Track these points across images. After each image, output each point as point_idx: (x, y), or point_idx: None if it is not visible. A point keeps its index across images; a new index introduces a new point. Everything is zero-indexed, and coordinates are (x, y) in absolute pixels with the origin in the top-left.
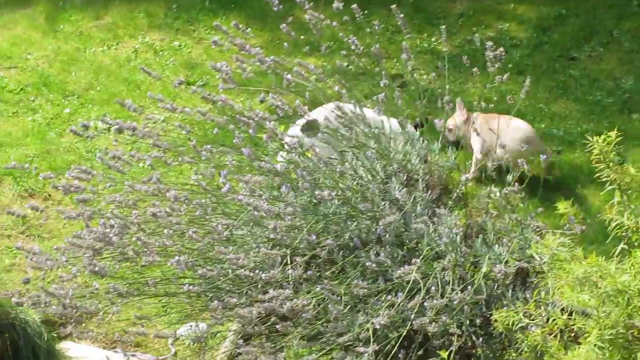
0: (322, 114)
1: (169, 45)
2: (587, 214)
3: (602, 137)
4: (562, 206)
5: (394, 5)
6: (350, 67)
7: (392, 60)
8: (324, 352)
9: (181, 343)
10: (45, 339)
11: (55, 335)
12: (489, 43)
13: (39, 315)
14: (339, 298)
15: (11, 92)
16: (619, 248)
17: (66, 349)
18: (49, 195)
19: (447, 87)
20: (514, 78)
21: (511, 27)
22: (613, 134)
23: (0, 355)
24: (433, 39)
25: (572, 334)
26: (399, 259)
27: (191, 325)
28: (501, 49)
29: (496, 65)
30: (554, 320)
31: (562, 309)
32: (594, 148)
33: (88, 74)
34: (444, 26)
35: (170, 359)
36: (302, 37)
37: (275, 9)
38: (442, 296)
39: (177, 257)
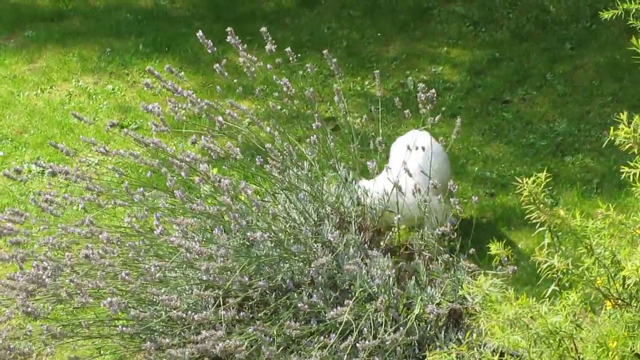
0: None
1: (102, 89)
2: (519, 256)
3: (532, 178)
4: (494, 247)
5: (325, 50)
6: (284, 110)
7: (325, 103)
8: None
9: None
10: None
11: None
12: (421, 85)
13: None
14: (271, 339)
15: None
16: (550, 289)
17: None
18: None
19: (380, 130)
20: (447, 121)
21: (445, 70)
22: (543, 175)
23: None
24: (366, 82)
25: None
26: (331, 300)
27: None
28: (433, 90)
29: (428, 107)
30: None
31: (494, 351)
32: (524, 190)
33: (22, 117)
34: (377, 70)
35: None
36: (235, 80)
37: (209, 51)
38: (375, 337)
39: (109, 299)
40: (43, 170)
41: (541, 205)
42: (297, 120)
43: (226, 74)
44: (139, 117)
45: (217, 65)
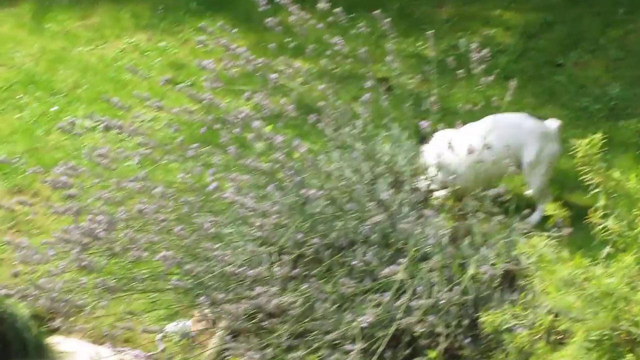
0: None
1: (155, 46)
2: (573, 219)
3: (587, 140)
4: (550, 208)
5: (377, 11)
6: (337, 69)
7: (378, 64)
8: (310, 349)
9: (170, 340)
10: (34, 333)
11: (44, 329)
12: (474, 44)
13: (28, 310)
14: (325, 296)
15: None
16: (605, 251)
17: (55, 343)
18: (37, 192)
19: (434, 91)
20: (500, 83)
21: (497, 33)
22: (597, 136)
23: None
24: (419, 44)
25: (559, 336)
26: (385, 259)
27: (179, 322)
28: (486, 50)
29: (481, 67)
30: (540, 321)
31: (549, 311)
32: (579, 151)
33: (75, 73)
34: (430, 31)
35: (159, 355)
36: (287, 39)
37: (261, 9)
38: (429, 296)
39: (163, 253)
40: (96, 126)
41: (596, 167)
42: (350, 80)
43: (279, 27)
44: (191, 74)
45: (270, 18)
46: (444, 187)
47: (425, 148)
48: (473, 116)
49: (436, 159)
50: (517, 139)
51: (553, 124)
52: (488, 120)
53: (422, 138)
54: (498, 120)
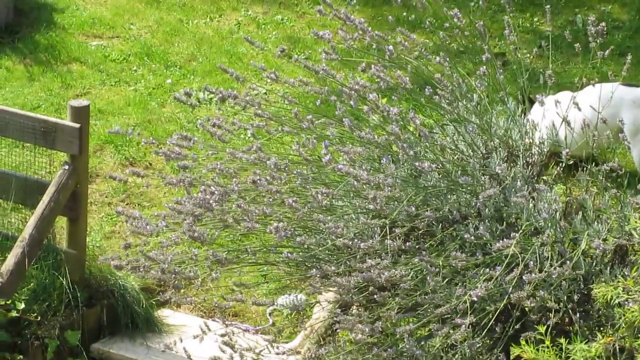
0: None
1: (271, 19)
2: None
3: None
4: None
5: None
6: (453, 44)
7: (494, 39)
8: (421, 323)
9: (279, 314)
10: (144, 306)
11: (153, 302)
12: (591, 18)
13: (138, 283)
14: (437, 270)
15: (114, 61)
16: None
17: (165, 317)
18: (150, 164)
19: (550, 65)
20: (615, 59)
21: (613, 9)
22: None
23: (99, 322)
24: (535, 19)
25: None
26: (497, 233)
27: (289, 295)
28: (603, 23)
29: (598, 41)
30: None
31: None
32: None
33: (190, 45)
34: (547, 7)
35: (268, 329)
36: (404, 13)
37: None
38: (541, 271)
39: (275, 224)
40: (211, 99)
41: None
42: (466, 55)
43: (397, 0)
44: (307, 47)
45: None
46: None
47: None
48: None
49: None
50: (612, 108)
51: None
52: (594, 91)
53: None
54: (597, 91)
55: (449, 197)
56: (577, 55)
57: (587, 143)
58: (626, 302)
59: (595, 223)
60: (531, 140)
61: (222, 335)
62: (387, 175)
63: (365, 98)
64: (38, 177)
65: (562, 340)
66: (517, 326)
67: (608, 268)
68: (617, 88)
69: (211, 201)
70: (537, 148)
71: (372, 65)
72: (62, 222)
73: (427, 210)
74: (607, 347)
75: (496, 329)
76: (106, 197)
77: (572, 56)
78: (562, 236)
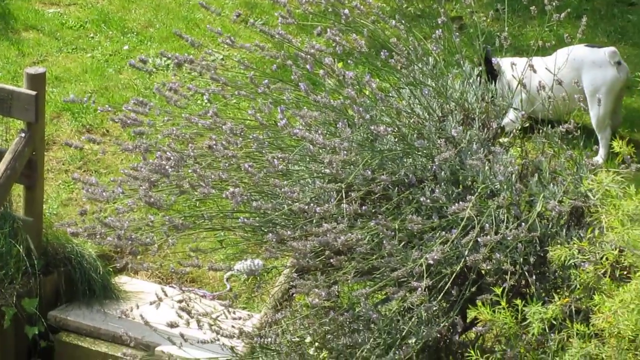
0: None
1: None
2: None
3: None
4: (617, 144)
5: None
6: (410, 8)
7: (450, 2)
8: (377, 286)
9: (236, 279)
10: (101, 273)
11: (110, 269)
12: None
13: (95, 250)
14: (393, 233)
15: (71, 28)
16: None
17: (122, 284)
18: (107, 131)
19: (506, 29)
20: (572, 22)
21: None
22: None
23: (56, 289)
24: None
25: (624, 271)
26: (453, 196)
27: (246, 260)
28: None
29: (554, 3)
30: (605, 257)
31: (614, 246)
32: None
33: (147, 12)
34: None
35: (226, 294)
36: None
37: None
38: (496, 233)
39: (231, 189)
40: (168, 65)
41: None
42: (423, 19)
43: None
44: (264, 13)
45: None
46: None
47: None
48: (544, 54)
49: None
50: (576, 71)
51: (606, 50)
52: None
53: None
54: (562, 53)
55: (405, 160)
56: (533, 19)
57: (557, 106)
58: (582, 264)
59: (551, 185)
60: (487, 103)
61: (179, 301)
62: (343, 139)
63: (321, 62)
64: None
65: (519, 302)
66: (474, 289)
67: (564, 230)
68: (581, 49)
69: (167, 167)
70: (493, 111)
71: (328, 30)
72: (18, 190)
73: (383, 174)
74: (563, 309)
75: (452, 291)
76: (63, 164)
77: (529, 19)
78: (518, 198)
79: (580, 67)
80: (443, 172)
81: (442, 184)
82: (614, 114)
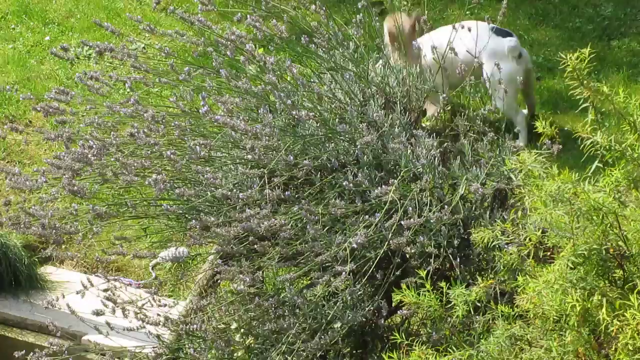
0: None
1: None
2: (565, 139)
3: (576, 54)
4: (540, 125)
5: None
6: None
7: None
8: (302, 271)
9: (162, 268)
10: (26, 263)
11: (36, 259)
12: None
13: (20, 240)
14: (316, 218)
15: None
16: (594, 166)
17: (47, 274)
18: (30, 121)
19: (426, 12)
20: (493, 5)
21: None
22: (586, 51)
23: None
24: None
25: (548, 253)
26: (376, 180)
27: (171, 248)
28: None
29: None
30: (528, 238)
31: (537, 227)
32: (568, 66)
33: (68, 2)
34: None
35: (151, 283)
36: None
37: None
38: (420, 216)
39: (154, 176)
40: (90, 55)
41: (585, 81)
42: (343, 4)
43: None
44: (185, 1)
45: None
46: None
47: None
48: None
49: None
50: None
51: (507, 42)
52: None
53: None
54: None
55: (328, 145)
56: (454, 2)
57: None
58: (505, 246)
59: (474, 168)
60: (409, 86)
61: (105, 290)
62: (265, 124)
63: (242, 49)
64: None
65: (443, 284)
66: (398, 272)
67: (488, 212)
68: (485, 31)
69: (90, 155)
70: (414, 94)
71: (249, 16)
72: None
73: (305, 159)
74: (487, 291)
75: (377, 275)
76: None
77: (450, 2)
78: (440, 182)
79: (480, 51)
80: (365, 157)
81: (365, 168)
82: (527, 97)
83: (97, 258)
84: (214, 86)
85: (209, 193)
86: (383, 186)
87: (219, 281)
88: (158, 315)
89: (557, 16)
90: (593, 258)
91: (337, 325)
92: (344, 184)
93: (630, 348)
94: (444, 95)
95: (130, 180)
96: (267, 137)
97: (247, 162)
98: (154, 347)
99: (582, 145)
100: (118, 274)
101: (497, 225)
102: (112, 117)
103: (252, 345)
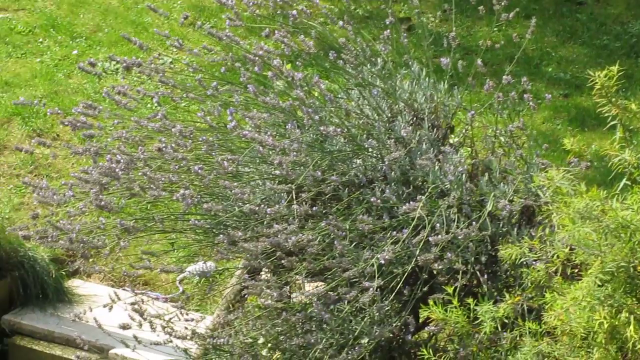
0: None
1: None
2: (593, 157)
3: (604, 72)
4: (568, 142)
5: None
6: (358, 10)
7: (398, 4)
8: (329, 287)
9: (189, 282)
10: (54, 276)
11: (63, 273)
12: None
13: (47, 253)
14: (344, 234)
15: (19, 33)
16: (622, 184)
17: (75, 287)
18: (57, 135)
19: (454, 29)
20: (521, 22)
21: None
22: (614, 68)
23: (9, 293)
24: None
25: (575, 269)
26: (404, 196)
27: (198, 262)
28: None
29: (503, 3)
30: (556, 255)
31: (565, 244)
32: (597, 83)
33: (96, 16)
34: None
35: (178, 297)
36: None
37: None
38: (447, 233)
39: (182, 191)
40: (117, 69)
41: (613, 99)
42: (371, 20)
43: None
44: (212, 16)
45: None
46: None
47: None
48: (493, 55)
49: None
50: None
51: None
52: None
53: None
54: None
55: (355, 161)
56: (482, 19)
57: None
58: (533, 262)
59: (502, 184)
60: (436, 104)
61: (132, 304)
62: (293, 140)
63: (269, 64)
64: None
65: (471, 301)
66: (425, 289)
67: (515, 229)
68: None
69: (117, 170)
70: (442, 111)
71: (276, 31)
72: None
73: (333, 175)
74: (515, 307)
75: (404, 291)
76: (14, 169)
77: (478, 19)
78: (468, 198)
79: None
80: (393, 172)
81: (393, 184)
82: None
83: (125, 272)
84: (241, 101)
85: (236, 208)
86: (411, 202)
87: (246, 296)
88: (185, 329)
89: (585, 33)
90: (621, 275)
91: (365, 340)
92: (372, 199)
93: None
94: (472, 112)
95: (157, 195)
96: (294, 153)
97: (275, 178)
98: None
99: (610, 163)
100: (145, 288)
101: (525, 242)
102: (140, 131)
103: None
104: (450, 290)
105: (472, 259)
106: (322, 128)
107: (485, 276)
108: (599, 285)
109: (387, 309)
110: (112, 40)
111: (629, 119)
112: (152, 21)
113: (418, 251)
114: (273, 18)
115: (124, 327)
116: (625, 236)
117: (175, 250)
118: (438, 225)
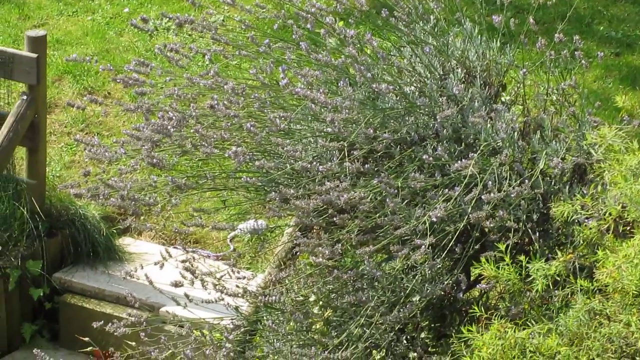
0: None
1: None
2: None
3: None
4: (620, 100)
5: None
6: None
7: None
8: (381, 244)
9: (240, 240)
10: (105, 234)
11: (114, 231)
12: None
13: (98, 211)
14: (396, 191)
15: None
16: None
17: (126, 245)
18: (109, 93)
19: None
20: None
21: None
22: None
23: (61, 251)
24: None
25: (627, 227)
26: (456, 153)
27: (249, 220)
28: None
29: None
30: (608, 212)
31: (617, 202)
32: None
33: None
34: None
35: (229, 255)
36: None
37: None
38: (499, 191)
39: (234, 148)
40: (169, 27)
41: None
42: None
43: None
44: None
45: None
46: None
47: None
48: (545, 13)
49: None
50: None
51: None
52: None
53: None
54: None
55: (407, 118)
56: None
57: None
58: (585, 220)
59: (554, 142)
60: (489, 61)
61: (183, 262)
62: (345, 97)
63: (322, 21)
64: None
65: (522, 258)
66: (477, 246)
67: (567, 187)
68: None
69: (169, 127)
70: (495, 68)
71: None
72: (21, 153)
73: (385, 132)
74: (567, 265)
75: (456, 249)
76: (65, 127)
77: None
78: (520, 156)
79: None
80: (445, 130)
81: (445, 141)
82: None
83: (176, 229)
84: (293, 59)
85: (288, 165)
86: (463, 160)
87: (297, 254)
88: (236, 287)
89: None
90: None
91: (416, 298)
92: (424, 157)
93: None
94: (524, 70)
95: (209, 152)
96: (347, 110)
97: (327, 135)
98: (232, 319)
99: None
100: (196, 246)
101: (577, 199)
102: (192, 89)
103: (331, 317)
104: (502, 247)
105: (524, 216)
106: (374, 85)
107: (537, 234)
108: None
109: (438, 266)
110: None
111: None
112: None
113: (470, 209)
114: None
115: (176, 284)
116: None
117: (227, 208)
118: (490, 183)
